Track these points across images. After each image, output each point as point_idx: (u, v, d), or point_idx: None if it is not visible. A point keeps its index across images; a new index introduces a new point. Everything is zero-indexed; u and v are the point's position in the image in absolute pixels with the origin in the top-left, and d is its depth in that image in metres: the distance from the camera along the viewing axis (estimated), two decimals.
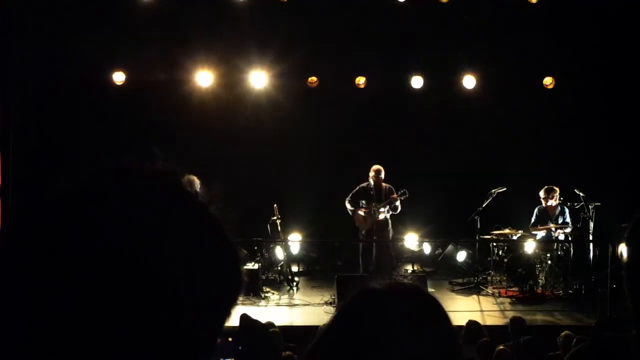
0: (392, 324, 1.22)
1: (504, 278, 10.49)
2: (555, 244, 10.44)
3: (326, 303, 9.42)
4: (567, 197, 10.54)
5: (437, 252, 12.21)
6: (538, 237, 10.55)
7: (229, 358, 5.83)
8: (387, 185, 10.41)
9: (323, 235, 11.65)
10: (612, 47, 11.20)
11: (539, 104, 11.81)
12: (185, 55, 11.32)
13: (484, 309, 9.46)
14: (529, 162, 11.64)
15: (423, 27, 11.55)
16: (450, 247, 11.80)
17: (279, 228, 10.48)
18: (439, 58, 11.81)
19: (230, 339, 5.91)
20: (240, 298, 0.86)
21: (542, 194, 10.53)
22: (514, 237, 10.69)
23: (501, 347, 5.98)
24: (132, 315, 0.74)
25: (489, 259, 10.95)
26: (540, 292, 10.07)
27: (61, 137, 11.06)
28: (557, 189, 10.49)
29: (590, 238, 10.21)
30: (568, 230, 10.49)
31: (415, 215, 11.33)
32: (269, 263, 10.94)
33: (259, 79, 11.58)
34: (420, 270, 11.51)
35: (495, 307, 9.59)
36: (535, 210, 10.59)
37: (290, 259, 10.97)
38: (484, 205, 10.62)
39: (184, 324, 0.77)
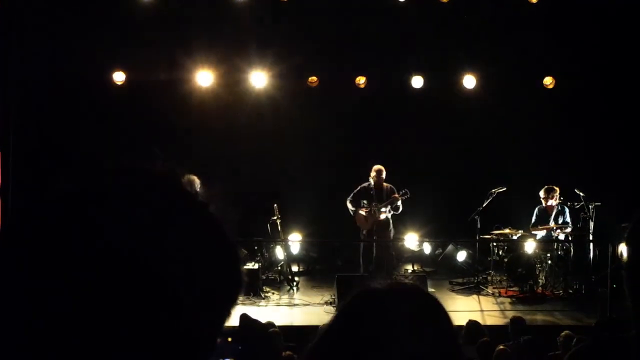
0: (393, 324, 1.22)
1: (504, 278, 10.50)
2: (556, 243, 10.45)
3: (326, 303, 9.41)
4: (567, 197, 10.54)
5: (437, 252, 12.21)
6: (538, 237, 10.55)
7: (229, 358, 5.83)
8: (388, 185, 10.40)
9: (323, 235, 11.65)
10: (612, 47, 11.20)
11: (539, 104, 11.80)
12: (186, 55, 11.32)
13: (484, 309, 9.46)
14: (529, 162, 11.64)
15: (423, 27, 11.54)
16: (450, 247, 11.80)
17: (279, 228, 10.48)
18: (439, 58, 11.81)
19: (230, 339, 5.91)
20: (240, 298, 0.86)
21: (542, 193, 10.53)
22: (514, 237, 10.70)
23: (501, 347, 5.98)
24: (132, 315, 0.74)
25: (489, 258, 10.95)
26: (540, 292, 10.07)
27: (61, 137, 11.04)
28: (557, 188, 10.49)
29: (590, 238, 10.20)
30: (568, 230, 10.49)
31: (415, 215, 11.32)
32: (269, 263, 10.93)
33: (259, 78, 11.58)
34: (421, 270, 11.51)
35: (496, 307, 9.59)
36: (536, 210, 10.59)
37: (291, 259, 10.97)
38: (484, 205, 10.62)
39: (184, 324, 0.77)
